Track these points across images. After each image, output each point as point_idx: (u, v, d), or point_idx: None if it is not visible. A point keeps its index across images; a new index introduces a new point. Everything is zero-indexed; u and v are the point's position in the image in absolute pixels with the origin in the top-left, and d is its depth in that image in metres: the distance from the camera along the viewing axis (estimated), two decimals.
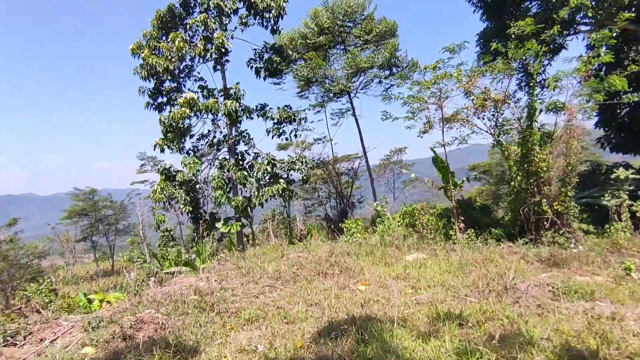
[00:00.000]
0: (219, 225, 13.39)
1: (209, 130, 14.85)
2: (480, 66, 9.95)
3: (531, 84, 9.04)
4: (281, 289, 6.21)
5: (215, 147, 15.01)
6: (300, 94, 20.77)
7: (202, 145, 14.96)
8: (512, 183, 9.21)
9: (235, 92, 12.76)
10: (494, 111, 9.91)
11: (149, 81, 13.26)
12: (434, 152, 11.92)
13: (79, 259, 45.07)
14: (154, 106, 13.51)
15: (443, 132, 10.00)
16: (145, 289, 9.60)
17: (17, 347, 3.83)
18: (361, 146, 25.29)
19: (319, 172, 24.81)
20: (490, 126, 10.04)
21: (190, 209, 12.86)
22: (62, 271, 37.17)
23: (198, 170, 11.91)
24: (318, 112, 31.02)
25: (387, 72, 17.62)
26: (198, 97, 13.01)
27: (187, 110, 11.38)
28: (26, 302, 8.93)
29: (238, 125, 14.56)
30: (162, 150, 13.02)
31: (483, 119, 10.13)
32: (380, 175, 36.53)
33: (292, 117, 14.86)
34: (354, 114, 23.84)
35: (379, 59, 15.99)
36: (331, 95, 20.13)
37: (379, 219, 12.47)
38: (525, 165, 8.73)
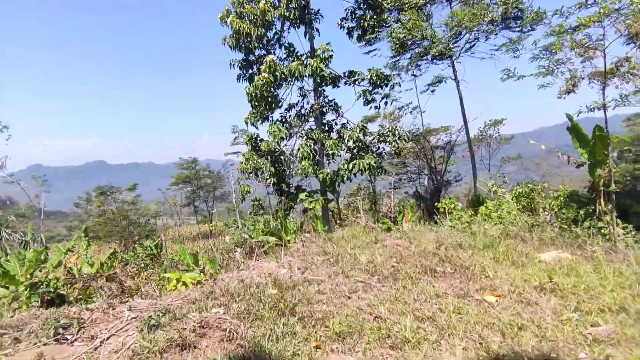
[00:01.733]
0: (302, 197, 12.51)
1: (297, 101, 13.84)
2: None
3: None
4: (378, 288, 4.81)
5: (303, 117, 13.97)
6: (394, 60, 18.48)
7: (290, 116, 14.04)
8: None
9: (323, 52, 11.34)
10: None
11: (239, 52, 12.59)
12: (571, 118, 9.06)
13: (185, 220, 50.18)
14: (245, 77, 12.86)
15: (604, 89, 7.25)
16: (225, 268, 9.17)
17: (67, 345, 3.08)
18: (462, 116, 22.08)
19: (409, 146, 22.56)
20: None
21: (275, 180, 12.17)
22: (171, 230, 41.62)
23: (282, 138, 10.97)
24: (414, 76, 28.31)
25: (502, 26, 14.31)
26: (283, 63, 11.94)
27: (269, 76, 10.36)
28: (124, 265, 9.18)
29: (324, 91, 13.22)
30: (254, 125, 12.44)
31: None
32: (476, 152, 32.47)
33: (384, 80, 12.94)
34: (455, 80, 20.69)
35: (495, 9, 12.87)
36: (428, 59, 17.44)
37: (493, 201, 10.20)
38: None
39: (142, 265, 9.28)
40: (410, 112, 32.32)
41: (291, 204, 12.67)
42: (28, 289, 4.27)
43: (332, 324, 3.76)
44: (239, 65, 12.45)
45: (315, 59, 10.84)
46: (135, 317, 3.62)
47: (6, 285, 12.94)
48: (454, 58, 17.98)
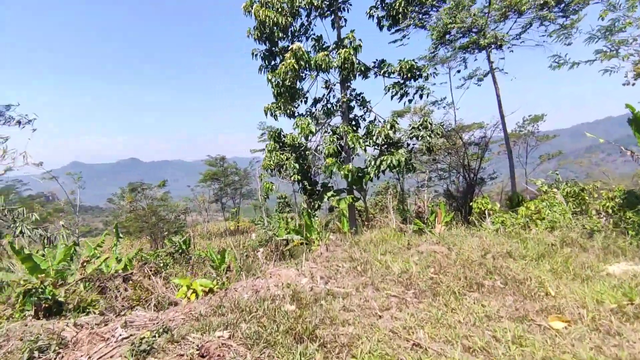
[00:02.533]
0: (328, 196, 11.82)
1: (323, 95, 13.12)
2: None
3: None
4: (415, 304, 4.04)
5: (329, 112, 13.25)
6: (432, 52, 17.32)
7: (315, 110, 13.34)
8: None
9: (350, 42, 10.55)
10: None
11: (263, 44, 12.02)
12: (632, 110, 7.81)
13: (213, 217, 50.88)
14: (267, 69, 12.29)
15: None
16: (248, 267, 8.62)
17: None
18: (498, 110, 20.65)
19: (440, 142, 21.36)
20: None
21: (299, 177, 11.54)
22: (200, 226, 42.20)
23: (311, 132, 10.31)
24: (449, 69, 26.87)
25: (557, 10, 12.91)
26: (310, 54, 11.25)
27: (294, 63, 9.69)
28: (142, 264, 8.87)
29: (351, 85, 12.42)
30: (274, 116, 11.81)
31: None
32: (512, 149, 30.70)
33: (418, 72, 11.97)
34: (491, 72, 19.25)
35: None
36: (473, 49, 16.15)
37: (534, 201, 9.08)
38: None
39: (162, 264, 8.90)
40: (444, 107, 30.84)
41: (317, 202, 12.01)
42: (21, 296, 3.88)
43: (360, 353, 3.05)
44: (262, 55, 11.86)
45: (345, 49, 10.06)
46: (127, 337, 3.05)
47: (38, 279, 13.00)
48: (491, 48, 16.66)
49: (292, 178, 11.47)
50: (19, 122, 8.71)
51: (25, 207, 28.28)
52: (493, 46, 15.44)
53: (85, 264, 7.70)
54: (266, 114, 11.61)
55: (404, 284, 4.49)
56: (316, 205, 11.92)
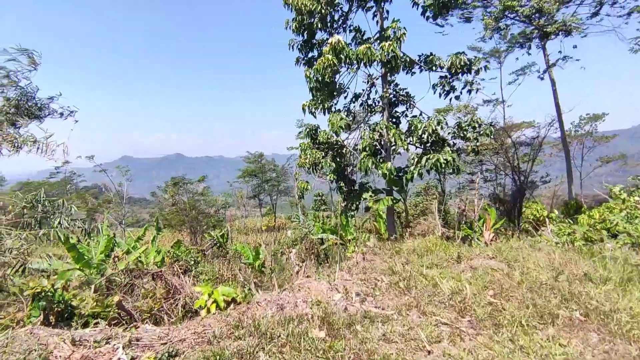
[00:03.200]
0: (366, 196, 11.07)
1: (363, 90, 12.37)
2: None
3: None
4: (471, 337, 3.27)
5: (370, 108, 12.47)
6: (482, 39, 15.99)
7: (355, 106, 12.62)
8: None
9: (394, 32, 9.72)
10: None
11: (301, 35, 11.49)
12: None
13: (251, 212, 51.70)
14: (304, 61, 11.76)
15: None
16: (280, 269, 8.11)
17: None
18: (555, 109, 18.78)
19: (487, 142, 19.85)
20: None
21: (335, 177, 10.92)
22: (238, 221, 42.93)
23: (342, 128, 9.61)
24: (499, 64, 25.04)
25: None
26: (350, 46, 10.57)
27: (332, 59, 9.06)
28: (174, 261, 8.70)
29: (395, 78, 11.56)
30: (312, 113, 11.27)
31: None
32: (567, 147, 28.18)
33: (468, 66, 10.87)
34: (546, 64, 17.46)
35: None
36: (534, 38, 14.67)
37: (612, 209, 7.80)
38: None
39: (192, 262, 8.66)
40: (492, 105, 28.87)
41: (354, 203, 11.32)
42: (30, 300, 3.62)
43: None
44: (298, 46, 11.32)
45: (390, 42, 9.24)
46: None
47: (81, 268, 13.40)
48: (544, 42, 15.00)
49: (328, 177, 10.87)
50: (61, 114, 8.67)
51: (78, 197, 29.98)
52: (561, 33, 13.84)
53: (116, 259, 7.59)
54: (304, 111, 11.08)
55: (457, 309, 3.72)
56: (353, 206, 11.22)
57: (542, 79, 17.94)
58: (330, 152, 10.99)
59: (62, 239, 13.32)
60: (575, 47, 15.80)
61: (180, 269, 8.18)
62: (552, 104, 18.74)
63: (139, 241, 15.86)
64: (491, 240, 10.45)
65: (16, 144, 7.95)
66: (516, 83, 25.24)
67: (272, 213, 44.18)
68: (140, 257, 15.44)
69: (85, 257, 13.33)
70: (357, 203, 11.24)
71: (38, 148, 8.01)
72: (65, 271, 12.88)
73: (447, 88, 11.11)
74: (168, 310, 5.39)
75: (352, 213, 12.64)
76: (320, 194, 39.79)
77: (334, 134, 9.91)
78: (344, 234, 19.90)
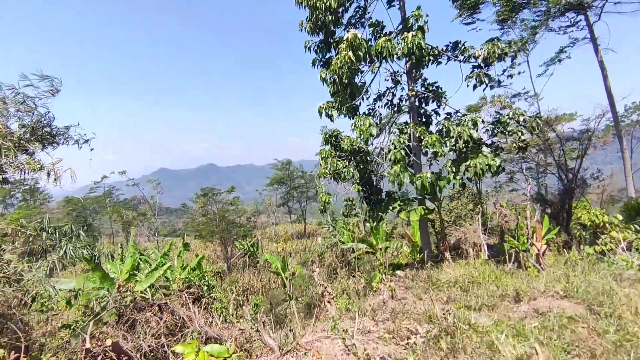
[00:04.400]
0: (395, 206, 9.83)
1: (387, 88, 11.16)
2: None
3: None
4: None
5: (395, 109, 11.24)
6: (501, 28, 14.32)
7: (379, 107, 11.41)
8: None
9: (416, 20, 8.47)
10: None
11: (317, 35, 10.51)
12: None
13: (282, 219, 51.38)
14: (321, 63, 10.76)
15: None
16: (305, 289, 7.09)
17: None
18: (606, 96, 16.56)
19: (528, 137, 17.94)
20: None
21: (360, 187, 9.77)
22: (269, 229, 42.58)
23: (371, 135, 8.46)
24: (527, 56, 22.96)
25: None
26: (369, 41, 9.46)
27: (350, 55, 7.96)
28: (186, 286, 7.91)
29: (422, 73, 10.28)
30: (330, 117, 10.22)
31: None
32: (609, 142, 25.26)
33: (504, 53, 9.42)
34: (593, 44, 15.30)
35: None
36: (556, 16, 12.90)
37: None
38: None
39: (205, 287, 7.85)
40: (526, 100, 26.49)
41: (381, 214, 10.11)
42: None
43: None
44: (315, 48, 10.32)
45: (414, 33, 8.00)
46: None
47: (108, 288, 13.03)
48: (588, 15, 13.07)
49: (352, 187, 9.75)
50: (76, 142, 8.28)
51: (114, 212, 30.63)
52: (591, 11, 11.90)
53: (121, 288, 6.90)
54: (320, 115, 10.05)
55: None
56: (379, 217, 10.01)
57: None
58: (353, 159, 9.88)
59: (86, 259, 12.97)
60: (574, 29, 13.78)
61: (192, 296, 7.39)
62: (591, 94, 16.52)
63: (165, 257, 15.50)
64: (543, 252, 8.89)
65: (23, 170, 7.58)
66: (547, 74, 22.86)
67: (302, 220, 43.55)
68: (165, 273, 14.88)
69: (111, 277, 13.00)
70: (384, 214, 10.02)
71: (48, 174, 7.62)
72: (90, 291, 12.60)
73: (482, 79, 9.69)
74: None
75: (382, 215, 11.39)
76: (350, 199, 38.61)
77: (362, 142, 8.74)
78: (374, 242, 18.61)
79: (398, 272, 6.87)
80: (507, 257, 7.07)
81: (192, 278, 8.25)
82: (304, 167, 44.65)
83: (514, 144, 11.10)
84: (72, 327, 7.03)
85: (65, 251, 7.20)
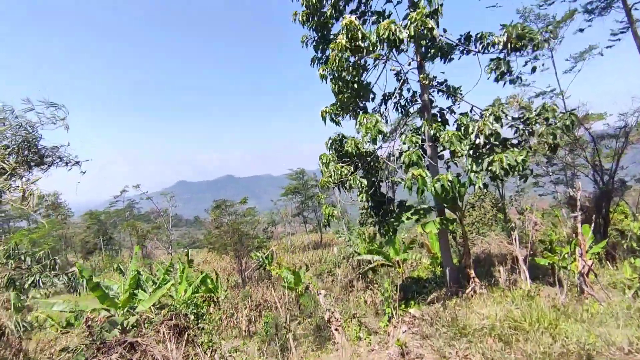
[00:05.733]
0: (409, 217, 8.46)
1: (395, 88, 9.90)
2: None
3: None
4: None
5: (404, 109, 9.95)
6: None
7: (386, 109, 10.15)
8: None
9: (429, 2, 7.20)
10: None
11: (314, 31, 9.39)
12: None
13: (298, 229, 50.26)
14: (321, 60, 9.64)
15: None
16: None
17: None
18: None
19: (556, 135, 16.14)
20: None
21: (368, 197, 8.44)
22: (285, 239, 41.49)
23: (381, 132, 7.13)
24: (550, 52, 21.22)
25: None
26: (370, 31, 8.26)
27: (344, 42, 6.73)
28: (172, 315, 6.78)
29: (431, 68, 9.00)
30: (335, 122, 9.03)
31: None
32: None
33: (528, 37, 8.03)
34: (631, 27, 13.51)
35: None
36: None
37: None
38: None
39: (194, 315, 6.70)
40: (550, 98, 24.45)
41: (392, 226, 8.75)
42: None
43: None
44: (313, 43, 9.19)
45: (419, 10, 6.78)
46: None
47: (107, 308, 12.09)
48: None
49: (359, 197, 8.46)
50: (66, 164, 7.66)
51: (129, 226, 30.21)
52: None
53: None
54: (324, 120, 8.87)
55: None
56: (391, 230, 8.65)
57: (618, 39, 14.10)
58: (359, 166, 8.61)
59: (84, 277, 12.00)
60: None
61: (176, 329, 6.26)
62: (617, 90, 14.66)
63: (168, 274, 14.55)
64: (588, 271, 7.31)
65: None
66: (574, 71, 20.94)
67: (318, 229, 42.32)
68: (169, 291, 13.78)
69: (111, 297, 12.07)
70: (396, 226, 8.65)
71: (23, 195, 6.86)
72: (93, 311, 11.70)
73: (502, 68, 8.29)
74: None
75: (393, 228, 9.97)
76: (366, 207, 36.98)
77: (369, 143, 7.43)
78: (390, 254, 17.09)
79: (412, 311, 5.48)
80: (553, 279, 5.61)
81: (177, 305, 7.10)
82: (319, 175, 43.54)
83: (544, 143, 9.59)
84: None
85: (34, 280, 6.25)
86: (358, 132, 7.76)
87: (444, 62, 9.05)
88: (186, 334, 6.14)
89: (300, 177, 40.85)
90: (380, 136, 7.55)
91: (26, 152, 7.45)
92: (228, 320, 17.88)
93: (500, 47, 8.10)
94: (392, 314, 5.34)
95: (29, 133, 7.28)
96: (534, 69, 8.67)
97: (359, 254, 21.71)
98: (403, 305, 8.90)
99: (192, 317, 6.70)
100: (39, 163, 7.64)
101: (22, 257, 6.58)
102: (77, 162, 8.08)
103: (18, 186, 6.82)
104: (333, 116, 8.63)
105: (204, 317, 6.87)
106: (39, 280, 6.35)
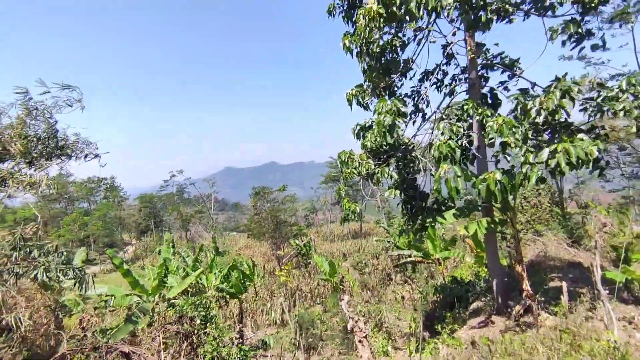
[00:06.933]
0: (448, 218, 7.11)
1: (436, 65, 8.38)
2: None
3: None
4: None
5: (447, 88, 8.43)
6: None
7: (425, 88, 8.67)
8: None
9: None
10: None
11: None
12: None
13: (338, 217, 49.46)
14: (351, 33, 8.34)
15: None
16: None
17: None
18: None
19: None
20: None
21: (399, 192, 7.17)
22: (325, 227, 40.93)
23: (400, 114, 5.80)
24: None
25: None
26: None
27: (378, 9, 5.44)
28: (179, 317, 6.21)
29: (483, 38, 7.36)
30: (363, 105, 7.79)
31: None
32: None
33: None
34: None
35: None
36: None
37: None
38: None
39: (200, 321, 6.04)
40: (617, 78, 20.71)
41: (427, 224, 7.44)
42: None
43: None
44: (342, 12, 7.86)
45: None
46: None
47: (139, 294, 12.14)
48: None
49: (388, 192, 7.25)
50: (85, 156, 7.45)
51: (174, 210, 31.26)
52: None
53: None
54: (350, 104, 7.68)
55: None
56: (421, 229, 7.35)
57: None
58: (392, 158, 7.35)
59: (116, 264, 12.06)
60: None
61: (178, 335, 5.66)
62: None
63: (197, 262, 14.43)
64: None
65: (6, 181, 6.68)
66: None
67: (359, 218, 41.22)
68: (198, 278, 13.56)
69: (141, 284, 12.09)
70: (433, 224, 7.34)
71: (31, 185, 6.69)
72: (124, 296, 11.82)
73: (577, 29, 6.47)
74: None
75: (426, 225, 8.59)
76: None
77: (385, 133, 6.10)
78: (430, 251, 15.56)
79: (460, 333, 4.24)
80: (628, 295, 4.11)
81: (184, 307, 6.46)
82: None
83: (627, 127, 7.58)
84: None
85: (36, 275, 5.98)
86: (372, 121, 6.51)
87: (506, 22, 7.34)
88: (189, 341, 5.53)
89: (338, 165, 39.79)
90: (399, 121, 6.25)
91: (49, 142, 7.24)
92: (263, 308, 17.66)
93: (572, 4, 6.31)
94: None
95: (48, 119, 7.04)
96: (604, 45, 6.70)
97: (399, 248, 20.32)
98: (448, 313, 7.61)
99: (198, 321, 6.04)
100: (60, 155, 7.47)
101: (29, 250, 6.34)
102: (96, 155, 7.88)
103: (27, 174, 6.65)
104: (360, 99, 7.41)
105: (213, 321, 6.17)
106: (42, 275, 6.05)
